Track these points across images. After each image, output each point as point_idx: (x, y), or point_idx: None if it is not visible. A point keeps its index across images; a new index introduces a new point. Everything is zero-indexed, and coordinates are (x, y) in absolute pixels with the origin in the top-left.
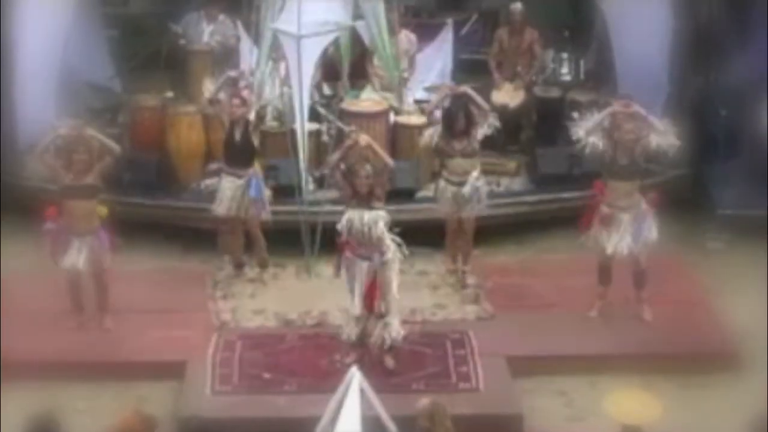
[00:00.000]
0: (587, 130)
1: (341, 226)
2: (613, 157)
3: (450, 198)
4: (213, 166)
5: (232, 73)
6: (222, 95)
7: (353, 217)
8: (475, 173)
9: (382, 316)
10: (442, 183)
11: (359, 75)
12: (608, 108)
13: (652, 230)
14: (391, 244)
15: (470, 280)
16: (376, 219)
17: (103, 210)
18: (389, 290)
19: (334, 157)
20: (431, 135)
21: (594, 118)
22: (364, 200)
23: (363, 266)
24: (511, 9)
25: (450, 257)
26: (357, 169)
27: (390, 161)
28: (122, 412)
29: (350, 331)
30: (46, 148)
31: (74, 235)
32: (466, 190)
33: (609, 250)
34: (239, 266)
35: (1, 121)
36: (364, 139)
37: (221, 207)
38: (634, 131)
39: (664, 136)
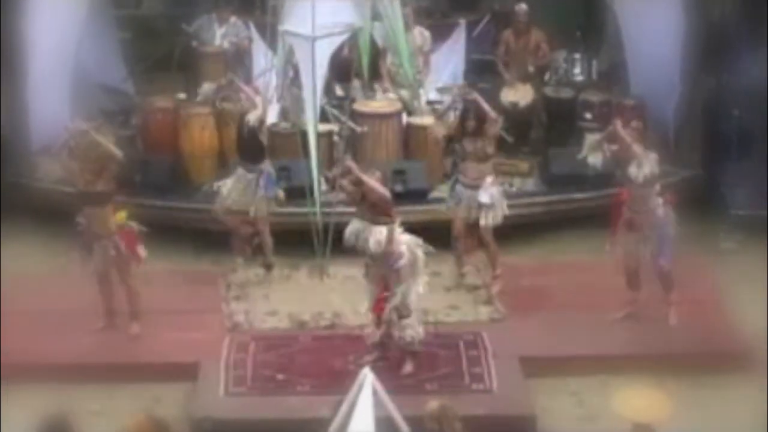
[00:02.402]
0: (590, 147)
1: (347, 234)
2: (625, 168)
3: (465, 201)
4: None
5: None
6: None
7: (358, 228)
8: (489, 179)
9: (401, 317)
10: (458, 187)
11: (373, 75)
12: (608, 128)
13: (671, 232)
14: (405, 251)
15: (496, 287)
16: (378, 234)
17: (121, 215)
18: (403, 297)
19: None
20: (441, 124)
21: (596, 137)
22: (371, 210)
23: (375, 271)
24: (516, 10)
25: (459, 261)
26: (366, 175)
27: (383, 191)
28: (135, 414)
29: (373, 332)
30: (62, 149)
31: (92, 238)
32: (483, 198)
33: (639, 252)
34: (244, 254)
35: (14, 122)
36: (354, 167)
37: (230, 198)
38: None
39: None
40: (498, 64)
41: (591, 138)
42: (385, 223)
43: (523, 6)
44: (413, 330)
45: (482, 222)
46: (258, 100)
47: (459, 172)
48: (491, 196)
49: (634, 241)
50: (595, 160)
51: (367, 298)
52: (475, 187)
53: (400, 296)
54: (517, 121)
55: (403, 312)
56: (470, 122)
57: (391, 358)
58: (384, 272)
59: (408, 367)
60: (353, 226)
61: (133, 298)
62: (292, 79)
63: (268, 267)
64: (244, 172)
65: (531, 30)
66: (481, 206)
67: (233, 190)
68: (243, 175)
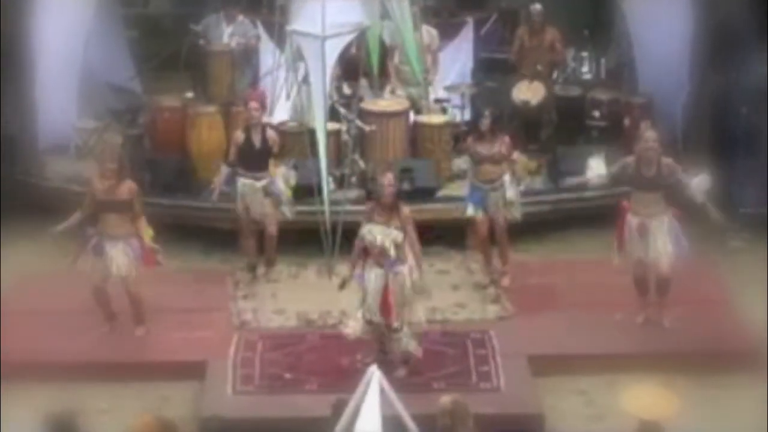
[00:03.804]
0: (593, 169)
1: (360, 235)
2: (638, 170)
3: (492, 201)
4: (224, 170)
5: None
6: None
7: (370, 232)
8: (506, 177)
9: (395, 330)
10: (478, 191)
11: (381, 73)
12: (625, 159)
13: (680, 240)
14: (408, 259)
15: (506, 281)
16: (391, 238)
17: (149, 232)
18: (400, 301)
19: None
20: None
21: (611, 170)
22: (386, 213)
23: (377, 272)
24: (531, 10)
25: (486, 261)
26: (379, 177)
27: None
28: (142, 415)
29: (356, 328)
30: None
31: (106, 240)
32: (511, 195)
33: (649, 257)
34: (252, 268)
35: (21, 121)
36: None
37: (240, 208)
38: (656, 141)
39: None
40: (512, 62)
41: (592, 161)
42: (396, 228)
43: (538, 6)
44: (407, 340)
45: (504, 218)
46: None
47: (474, 176)
48: (515, 194)
49: (644, 246)
50: (597, 179)
51: (370, 299)
52: (497, 188)
53: (408, 306)
54: (529, 119)
55: (396, 323)
56: (484, 120)
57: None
58: (388, 275)
59: (401, 372)
60: (365, 229)
61: (137, 303)
62: (303, 78)
63: (270, 263)
64: (251, 181)
65: (546, 29)
66: (507, 204)
67: (246, 198)
68: (250, 185)
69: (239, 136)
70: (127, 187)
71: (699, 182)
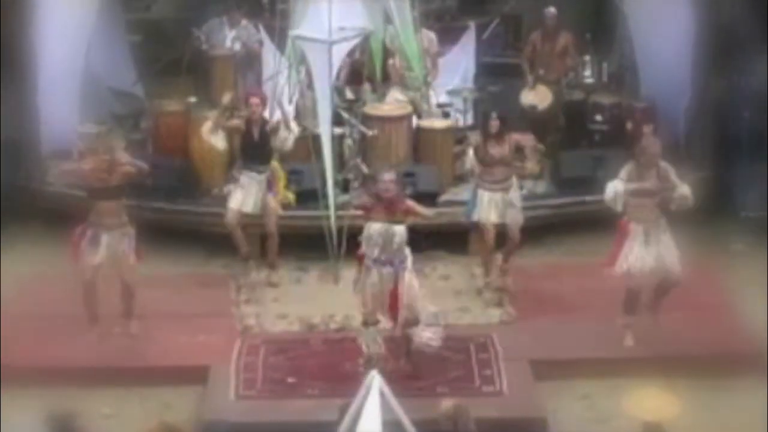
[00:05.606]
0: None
1: (362, 237)
2: (639, 177)
3: (499, 205)
4: (235, 173)
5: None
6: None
7: (374, 230)
8: (514, 179)
9: (409, 325)
10: (486, 194)
11: (383, 78)
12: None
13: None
14: (408, 254)
15: (505, 281)
16: (398, 232)
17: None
18: (414, 295)
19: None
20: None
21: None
22: (388, 210)
23: (384, 273)
24: (545, 13)
25: (486, 269)
26: (380, 175)
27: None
28: (147, 420)
29: (371, 344)
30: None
31: (102, 230)
32: (515, 199)
33: (658, 263)
34: (247, 258)
35: (24, 126)
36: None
37: (244, 205)
38: (658, 149)
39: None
40: (523, 64)
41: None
42: (400, 222)
43: (552, 9)
44: (424, 337)
45: (514, 220)
46: (293, 125)
47: (481, 178)
48: (520, 196)
49: (651, 254)
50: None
51: (377, 302)
52: (505, 189)
53: (411, 299)
54: (535, 123)
55: (413, 320)
56: (493, 122)
57: (392, 365)
58: (392, 272)
59: (407, 368)
60: (369, 229)
61: (129, 295)
62: (308, 83)
63: (272, 266)
64: (254, 174)
65: (559, 33)
66: (513, 206)
67: (248, 196)
68: (253, 178)
69: (240, 126)
70: (120, 172)
71: (685, 190)
